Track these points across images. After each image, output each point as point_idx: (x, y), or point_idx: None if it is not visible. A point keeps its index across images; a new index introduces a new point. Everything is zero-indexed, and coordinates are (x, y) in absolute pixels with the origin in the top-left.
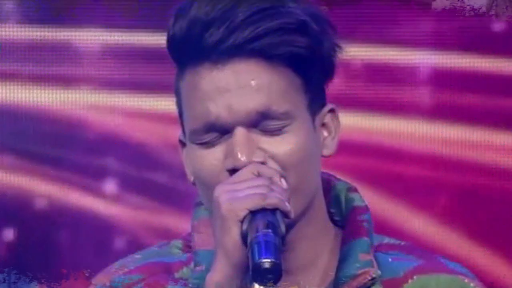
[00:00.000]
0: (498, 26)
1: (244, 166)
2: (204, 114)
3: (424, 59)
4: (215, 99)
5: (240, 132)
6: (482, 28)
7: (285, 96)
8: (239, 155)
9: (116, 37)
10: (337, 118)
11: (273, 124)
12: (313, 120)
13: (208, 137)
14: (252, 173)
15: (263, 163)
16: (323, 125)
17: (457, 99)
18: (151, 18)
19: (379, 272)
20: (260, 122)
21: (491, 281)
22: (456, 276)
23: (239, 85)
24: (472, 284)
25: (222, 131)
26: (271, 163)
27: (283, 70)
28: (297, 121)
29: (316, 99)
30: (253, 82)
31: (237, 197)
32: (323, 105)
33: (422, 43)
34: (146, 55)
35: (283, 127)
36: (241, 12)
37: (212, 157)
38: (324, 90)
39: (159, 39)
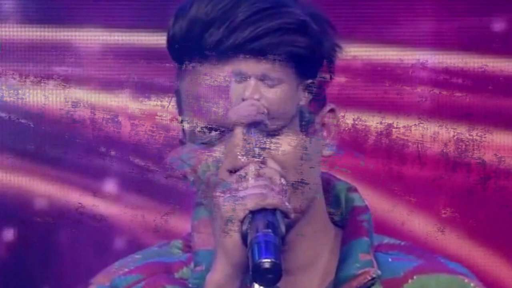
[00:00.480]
0: (498, 26)
1: (244, 166)
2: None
3: (424, 59)
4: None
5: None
6: (482, 28)
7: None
8: (239, 155)
9: (116, 37)
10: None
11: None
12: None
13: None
14: (252, 173)
15: (263, 163)
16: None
17: (457, 99)
18: (151, 18)
19: (379, 272)
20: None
21: (491, 281)
22: (456, 276)
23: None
24: (472, 284)
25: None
26: (271, 163)
27: (283, 70)
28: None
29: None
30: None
31: (237, 197)
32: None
33: (422, 43)
34: (146, 55)
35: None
36: (241, 12)
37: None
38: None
39: (159, 39)
